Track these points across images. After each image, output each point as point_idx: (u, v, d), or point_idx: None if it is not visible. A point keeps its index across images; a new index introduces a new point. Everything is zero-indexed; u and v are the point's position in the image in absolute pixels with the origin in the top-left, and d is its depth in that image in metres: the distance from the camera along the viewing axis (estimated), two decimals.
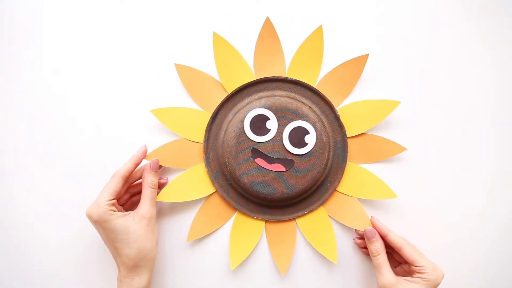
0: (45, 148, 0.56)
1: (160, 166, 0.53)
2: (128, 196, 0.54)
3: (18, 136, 0.56)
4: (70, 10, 0.57)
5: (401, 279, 0.49)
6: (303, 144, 0.53)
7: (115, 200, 0.49)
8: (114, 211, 0.48)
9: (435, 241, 0.55)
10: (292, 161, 0.53)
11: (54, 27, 0.56)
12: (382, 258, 0.50)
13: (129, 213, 0.49)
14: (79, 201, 0.55)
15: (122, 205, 0.53)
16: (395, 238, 0.51)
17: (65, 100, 0.56)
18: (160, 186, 0.54)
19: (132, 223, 0.48)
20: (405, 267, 0.52)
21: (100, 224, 0.47)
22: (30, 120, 0.56)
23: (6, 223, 0.56)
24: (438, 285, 0.48)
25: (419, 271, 0.48)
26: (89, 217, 0.47)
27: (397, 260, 0.53)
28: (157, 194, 0.53)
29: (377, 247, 0.50)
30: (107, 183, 0.49)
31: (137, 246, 0.47)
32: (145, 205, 0.50)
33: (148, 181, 0.51)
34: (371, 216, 0.53)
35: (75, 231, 0.55)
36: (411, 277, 0.49)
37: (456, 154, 0.56)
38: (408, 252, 0.49)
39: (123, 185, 0.50)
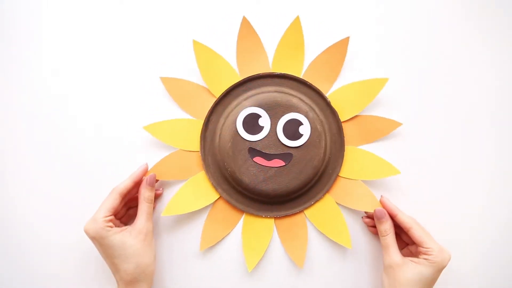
0: (45, 148, 0.56)
1: (157, 180, 0.53)
2: (125, 209, 0.54)
3: (18, 136, 0.56)
4: (70, 10, 0.57)
5: (408, 259, 0.49)
6: (298, 136, 0.53)
7: (112, 216, 0.49)
8: (111, 227, 0.48)
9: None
10: (290, 155, 0.53)
11: (54, 27, 0.57)
12: (390, 239, 0.50)
13: (126, 228, 0.49)
14: (79, 201, 0.55)
15: (119, 219, 0.53)
16: (405, 218, 0.50)
17: (65, 100, 0.56)
18: (156, 198, 0.54)
19: (129, 238, 0.48)
20: (412, 248, 0.52)
21: (98, 240, 0.47)
22: (30, 120, 0.56)
23: (5, 223, 0.56)
24: (444, 267, 0.48)
25: (426, 253, 0.48)
26: (87, 233, 0.48)
27: (405, 241, 0.53)
28: (154, 208, 0.53)
29: (386, 227, 0.50)
30: (105, 199, 0.50)
31: (135, 261, 0.48)
32: (142, 219, 0.50)
33: (145, 196, 0.51)
34: (381, 196, 0.53)
35: (75, 231, 0.54)
36: (417, 258, 0.49)
37: (455, 153, 0.56)
38: (416, 232, 0.49)
39: (121, 202, 0.50)
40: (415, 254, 0.50)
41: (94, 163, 0.56)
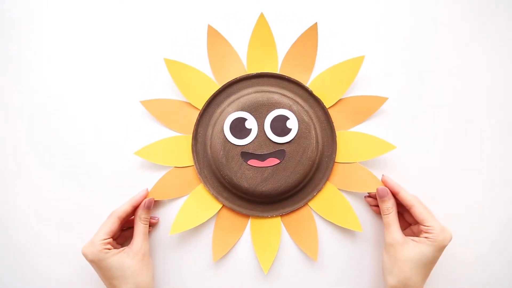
0: (45, 148, 0.56)
1: (156, 201, 0.54)
2: (120, 230, 0.54)
3: (18, 137, 0.56)
4: (70, 10, 0.57)
5: (409, 238, 0.48)
6: (287, 131, 0.53)
7: (110, 239, 0.50)
8: (109, 249, 0.49)
9: None
10: (283, 151, 0.53)
11: (54, 27, 0.57)
12: (392, 217, 0.49)
13: (123, 250, 0.50)
14: (79, 202, 0.55)
15: (115, 239, 0.53)
16: (407, 196, 0.50)
17: (65, 101, 0.56)
18: (152, 225, 0.55)
19: (127, 259, 0.49)
20: (414, 228, 0.51)
21: (96, 263, 0.48)
22: (29, 121, 0.56)
23: (4, 224, 0.56)
24: (445, 247, 0.47)
25: (427, 231, 0.48)
26: (85, 256, 0.49)
27: (408, 221, 0.53)
28: (149, 232, 0.54)
29: (389, 205, 0.50)
30: (103, 222, 0.51)
31: (133, 281, 0.48)
32: (138, 240, 0.51)
33: (141, 217, 0.52)
34: (383, 175, 0.53)
35: (75, 232, 0.55)
36: (419, 237, 0.48)
37: (456, 154, 0.55)
38: (418, 210, 0.49)
39: (119, 225, 0.51)
40: (417, 234, 0.50)
41: (93, 163, 0.56)
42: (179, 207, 0.54)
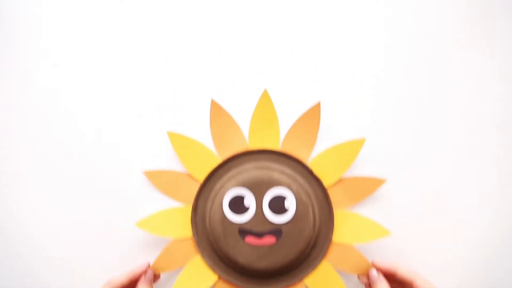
0: (44, 151, 0.57)
1: (159, 276, 0.55)
2: None
3: (16, 139, 0.57)
4: (69, 13, 0.58)
5: None
6: (285, 210, 0.53)
7: None
8: None
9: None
10: (280, 230, 0.53)
11: (54, 29, 0.57)
12: None
13: None
14: (79, 203, 0.57)
15: None
16: (405, 273, 0.50)
17: (65, 105, 0.57)
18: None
19: None
20: None
21: None
22: (28, 123, 0.57)
23: (3, 227, 0.57)
24: None
25: None
26: None
27: None
28: None
29: None
30: None
31: None
32: None
33: None
34: (372, 261, 0.53)
35: (74, 232, 0.56)
36: None
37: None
38: (420, 282, 0.49)
39: None
40: None
41: (92, 164, 0.57)
42: (175, 277, 0.55)
